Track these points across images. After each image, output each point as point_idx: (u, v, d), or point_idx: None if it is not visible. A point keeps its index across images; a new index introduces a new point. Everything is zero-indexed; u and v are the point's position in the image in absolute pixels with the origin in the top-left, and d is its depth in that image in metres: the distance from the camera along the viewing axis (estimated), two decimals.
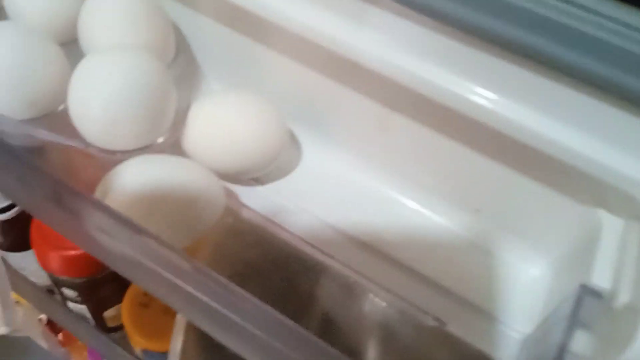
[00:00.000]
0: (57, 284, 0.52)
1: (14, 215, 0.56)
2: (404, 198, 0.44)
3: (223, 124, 0.40)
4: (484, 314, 0.39)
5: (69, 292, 0.52)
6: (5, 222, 0.56)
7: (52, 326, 0.74)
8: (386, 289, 0.38)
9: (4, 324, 0.56)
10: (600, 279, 0.33)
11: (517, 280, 0.41)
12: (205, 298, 0.27)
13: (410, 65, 0.35)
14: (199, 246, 0.40)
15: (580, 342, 0.31)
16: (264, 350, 0.25)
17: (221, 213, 0.38)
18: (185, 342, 0.41)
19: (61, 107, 0.40)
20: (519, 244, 0.41)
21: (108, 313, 0.55)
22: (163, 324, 0.48)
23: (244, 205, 0.42)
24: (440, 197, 0.43)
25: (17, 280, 0.59)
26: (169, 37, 0.43)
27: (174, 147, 0.41)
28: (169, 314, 0.48)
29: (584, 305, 0.32)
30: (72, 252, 0.48)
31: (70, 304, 0.54)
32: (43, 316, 0.74)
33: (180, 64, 0.44)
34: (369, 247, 0.41)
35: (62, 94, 0.38)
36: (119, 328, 0.56)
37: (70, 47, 0.42)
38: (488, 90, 0.34)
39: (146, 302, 0.50)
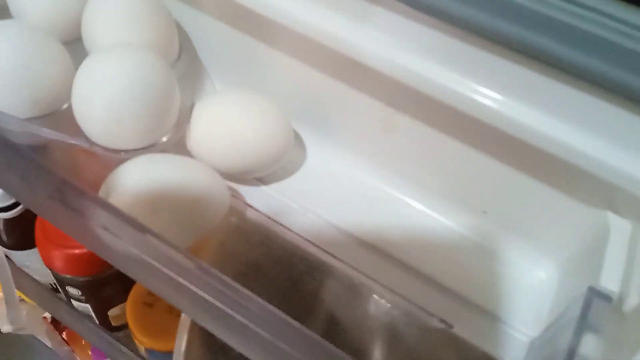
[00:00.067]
0: (61, 282, 0.52)
1: (18, 213, 0.56)
2: (409, 199, 0.44)
3: (227, 124, 0.40)
4: (491, 316, 0.39)
5: (73, 291, 0.52)
6: (10, 220, 0.56)
7: (56, 324, 0.74)
8: (391, 290, 0.38)
9: (9, 322, 0.56)
10: (609, 281, 0.33)
11: (524, 283, 0.40)
12: (209, 298, 0.27)
13: (413, 64, 0.35)
14: (203, 245, 0.40)
15: (589, 345, 0.31)
16: (268, 351, 0.25)
17: (225, 212, 0.38)
18: (189, 342, 0.41)
19: (65, 106, 0.40)
20: (526, 246, 0.41)
21: (112, 312, 0.55)
22: (167, 323, 0.48)
23: (248, 205, 0.42)
24: (446, 198, 0.42)
25: (22, 278, 0.59)
26: (173, 37, 0.43)
27: (178, 146, 0.41)
28: (174, 313, 0.48)
29: (593, 308, 0.32)
30: (76, 251, 0.48)
31: (75, 303, 0.54)
32: (47, 314, 0.74)
33: (184, 64, 0.44)
34: (373, 247, 0.41)
35: (66, 93, 0.38)
36: (123, 327, 0.56)
37: (74, 46, 0.42)
38: (492, 90, 0.34)
39: (151, 301, 0.50)
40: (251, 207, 0.42)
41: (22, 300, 0.72)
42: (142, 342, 0.48)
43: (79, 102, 0.37)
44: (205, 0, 0.44)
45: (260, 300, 0.26)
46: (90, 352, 0.73)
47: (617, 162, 0.32)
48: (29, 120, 0.39)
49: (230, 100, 0.42)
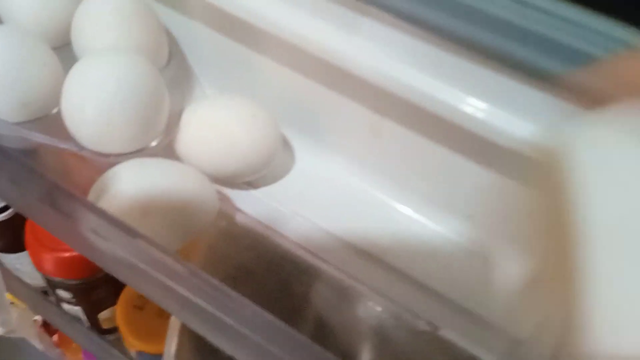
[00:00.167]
0: (52, 285, 0.52)
1: (9, 216, 0.56)
2: (397, 203, 0.44)
3: (216, 128, 0.40)
4: (478, 319, 0.39)
5: (63, 294, 0.52)
6: (0, 223, 0.56)
7: (47, 327, 0.74)
8: (379, 294, 0.38)
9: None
10: None
11: (511, 286, 0.41)
12: (198, 301, 0.27)
13: (400, 73, 0.36)
14: (193, 249, 0.40)
15: None
16: (257, 353, 0.25)
17: (214, 216, 0.39)
18: (179, 345, 0.41)
19: (55, 110, 0.40)
20: (512, 249, 0.41)
21: (103, 315, 0.55)
22: (157, 326, 0.48)
23: (237, 209, 0.42)
24: (433, 202, 0.43)
25: (12, 281, 0.59)
26: (162, 41, 0.44)
27: (168, 150, 0.41)
28: (164, 316, 0.48)
29: None
30: (67, 254, 0.48)
31: (65, 306, 0.54)
32: (38, 317, 0.74)
33: (174, 68, 0.45)
34: (361, 251, 0.42)
35: (55, 97, 0.39)
36: (114, 330, 0.56)
37: (64, 50, 0.42)
38: (477, 99, 0.34)
39: (141, 304, 0.50)
40: (240, 211, 0.42)
41: (12, 303, 0.72)
42: (133, 344, 0.49)
43: (69, 106, 0.38)
44: (196, 7, 0.45)
45: (249, 303, 0.26)
46: (81, 355, 0.73)
47: None
48: (19, 124, 0.39)
49: (220, 104, 0.42)
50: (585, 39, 0.29)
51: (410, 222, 0.43)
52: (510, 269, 0.41)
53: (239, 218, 0.42)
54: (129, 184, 0.36)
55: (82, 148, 0.39)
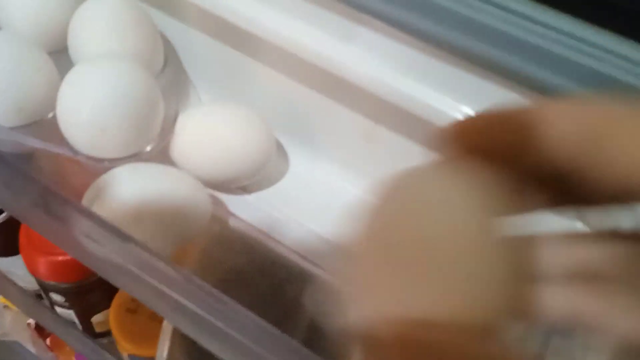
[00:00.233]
0: (45, 289, 0.52)
1: (3, 220, 0.56)
2: None
3: (210, 133, 0.41)
4: None
5: (56, 297, 0.52)
6: None
7: (40, 331, 0.74)
8: None
9: None
10: None
11: None
12: (191, 305, 0.27)
13: (393, 81, 0.36)
14: (186, 253, 0.40)
15: None
16: (249, 357, 0.25)
17: (207, 220, 0.39)
18: (171, 348, 0.41)
19: (50, 115, 0.40)
20: None
21: (96, 318, 0.55)
22: (150, 329, 0.48)
23: (231, 214, 0.42)
24: None
25: (6, 284, 0.58)
26: (157, 48, 0.44)
27: (162, 155, 0.41)
28: (157, 319, 0.48)
29: None
30: (60, 258, 0.48)
31: (58, 309, 0.54)
32: (31, 321, 0.74)
33: (169, 74, 0.45)
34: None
35: (51, 102, 0.39)
36: (107, 333, 0.56)
37: (60, 56, 0.42)
38: (470, 107, 0.35)
39: (134, 307, 0.50)
40: (234, 215, 0.42)
41: (6, 306, 0.72)
42: (125, 348, 0.49)
43: (64, 111, 0.38)
44: (192, 14, 0.45)
45: (241, 307, 0.26)
46: (74, 359, 0.73)
47: None
48: (14, 128, 0.39)
49: (214, 110, 0.42)
50: (583, 52, 0.29)
51: None
52: None
53: (232, 223, 0.42)
54: (123, 189, 0.36)
55: (77, 153, 0.39)
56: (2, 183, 0.30)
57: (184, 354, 0.41)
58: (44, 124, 0.40)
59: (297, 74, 0.42)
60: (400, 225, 0.15)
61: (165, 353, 0.40)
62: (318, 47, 0.38)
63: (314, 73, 0.39)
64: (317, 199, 0.45)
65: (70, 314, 0.54)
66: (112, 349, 0.52)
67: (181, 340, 0.41)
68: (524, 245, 0.15)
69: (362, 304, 0.15)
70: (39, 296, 0.57)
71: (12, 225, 0.55)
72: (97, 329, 0.56)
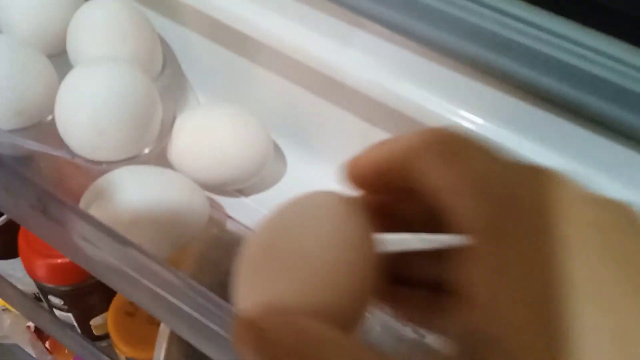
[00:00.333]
0: (44, 291, 0.52)
1: (2, 223, 0.56)
2: None
3: (208, 136, 0.41)
4: None
5: (55, 300, 0.52)
6: None
7: (39, 334, 0.74)
8: None
9: None
10: None
11: None
12: (187, 308, 0.27)
13: (391, 84, 0.36)
14: (184, 256, 0.40)
15: None
16: None
17: (205, 223, 0.39)
18: (168, 351, 0.41)
19: (49, 118, 0.40)
20: None
21: (94, 321, 0.55)
22: (148, 333, 0.48)
23: (228, 216, 0.42)
24: None
25: (5, 287, 0.59)
26: (156, 51, 0.44)
27: (160, 158, 0.41)
28: (155, 322, 0.48)
29: None
30: (59, 261, 0.48)
31: (57, 312, 0.54)
32: (31, 324, 0.74)
33: (167, 77, 0.45)
34: None
35: (49, 105, 0.39)
36: (106, 336, 0.56)
37: (59, 59, 0.42)
38: (467, 111, 0.35)
39: (132, 311, 0.50)
40: (231, 218, 0.42)
41: (5, 309, 0.72)
42: (123, 351, 0.49)
43: (62, 114, 0.38)
44: (190, 17, 0.45)
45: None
46: None
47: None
48: (13, 131, 0.40)
49: (211, 112, 0.42)
50: (577, 54, 0.29)
51: None
52: None
53: (230, 225, 0.42)
54: (121, 192, 0.36)
55: (74, 155, 0.39)
56: (1, 186, 0.30)
57: (181, 357, 0.41)
58: (43, 127, 0.40)
59: (294, 77, 0.42)
60: (281, 232, 0.18)
61: (162, 356, 0.40)
62: (315, 50, 0.38)
63: (312, 76, 0.39)
64: None
65: (68, 316, 0.54)
66: (111, 352, 0.52)
67: (178, 343, 0.41)
68: (376, 254, 0.19)
69: (241, 295, 0.18)
70: (38, 299, 0.57)
71: (11, 228, 0.55)
72: (96, 332, 0.56)
